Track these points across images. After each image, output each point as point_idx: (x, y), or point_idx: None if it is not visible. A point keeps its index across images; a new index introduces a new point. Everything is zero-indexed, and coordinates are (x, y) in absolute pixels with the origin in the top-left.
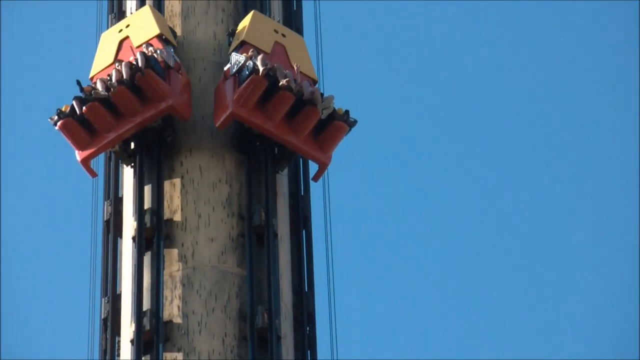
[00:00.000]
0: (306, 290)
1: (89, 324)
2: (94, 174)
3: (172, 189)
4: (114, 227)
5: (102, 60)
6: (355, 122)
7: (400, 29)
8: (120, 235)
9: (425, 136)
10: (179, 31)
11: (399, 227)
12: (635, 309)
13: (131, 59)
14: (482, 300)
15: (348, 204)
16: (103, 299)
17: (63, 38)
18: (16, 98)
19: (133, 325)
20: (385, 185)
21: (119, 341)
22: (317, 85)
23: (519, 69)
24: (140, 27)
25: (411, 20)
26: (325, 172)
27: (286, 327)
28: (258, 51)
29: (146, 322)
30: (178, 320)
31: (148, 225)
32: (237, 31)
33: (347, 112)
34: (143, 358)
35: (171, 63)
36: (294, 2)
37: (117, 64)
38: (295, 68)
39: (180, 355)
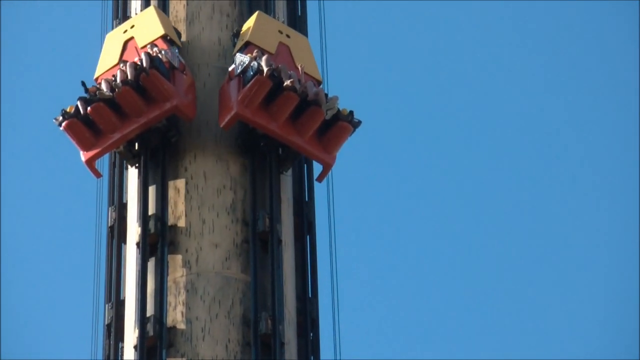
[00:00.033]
0: (310, 296)
1: (93, 330)
2: (98, 175)
3: (177, 195)
4: (118, 232)
5: (107, 61)
6: (359, 122)
7: (405, 29)
8: (125, 241)
9: (429, 137)
10: (183, 36)
11: (404, 230)
12: (635, 309)
13: (136, 59)
14: (483, 301)
15: (352, 206)
16: (107, 305)
17: (68, 39)
18: (20, 99)
19: (136, 331)
20: (389, 187)
21: (122, 347)
22: (321, 86)
23: (520, 69)
24: (145, 27)
25: (416, 21)
26: (330, 174)
27: (290, 333)
28: (262, 52)
29: (150, 328)
30: (182, 326)
31: (152, 231)
32: (241, 32)
33: (351, 112)
34: None
35: (176, 63)
36: (299, 6)
37: (121, 65)
38: (300, 69)
39: None
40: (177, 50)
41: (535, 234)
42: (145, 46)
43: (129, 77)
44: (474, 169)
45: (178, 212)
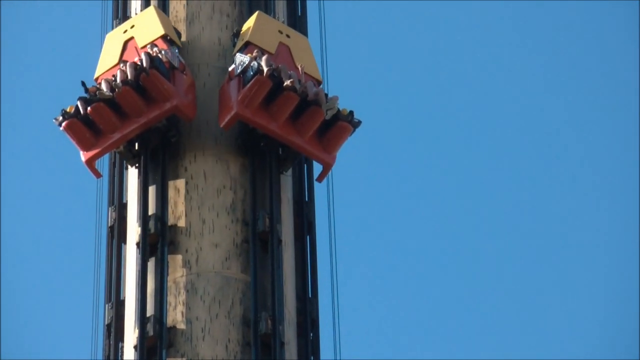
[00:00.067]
0: (310, 296)
1: (93, 330)
2: (98, 175)
3: (177, 195)
4: (118, 232)
5: (107, 61)
6: (359, 122)
7: (405, 29)
8: (125, 241)
9: (429, 137)
10: (183, 37)
11: (403, 230)
12: (635, 309)
13: (136, 59)
14: (483, 301)
15: (352, 206)
16: (107, 305)
17: (68, 39)
18: (20, 99)
19: (137, 331)
20: (389, 186)
21: (122, 347)
22: (321, 86)
23: (520, 69)
24: (145, 27)
25: (415, 21)
26: (330, 174)
27: (290, 333)
28: (262, 52)
29: (150, 328)
30: (182, 326)
31: (152, 231)
32: (241, 32)
33: (351, 112)
34: None
35: (176, 63)
36: (299, 6)
37: (121, 65)
38: (300, 69)
39: None
40: (177, 50)
41: (535, 234)
42: (145, 46)
43: (129, 77)
44: (474, 168)
45: (178, 212)
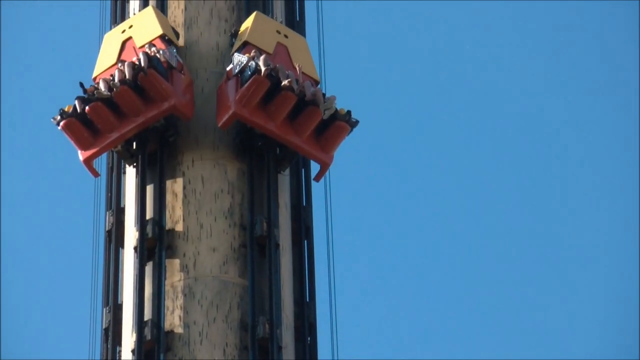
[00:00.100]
0: (307, 300)
1: (90, 334)
2: (96, 174)
3: (174, 199)
4: (115, 237)
5: (105, 60)
6: (356, 122)
7: (403, 29)
8: (122, 245)
9: (427, 137)
10: (181, 41)
11: (402, 232)
12: (635, 309)
13: (134, 59)
14: (483, 301)
15: (349, 206)
16: (104, 309)
17: (67, 39)
18: (20, 99)
19: (134, 335)
20: (387, 187)
21: (120, 351)
22: (319, 86)
23: (519, 70)
24: (143, 27)
25: (414, 20)
26: (327, 175)
27: (287, 337)
28: (260, 52)
29: (147, 332)
30: (179, 330)
31: (150, 235)
32: (239, 32)
33: (348, 112)
34: None
35: (174, 63)
36: (297, 6)
37: (119, 64)
38: (298, 68)
39: None
40: (175, 50)
41: (535, 234)
42: (143, 46)
43: (127, 76)
44: (474, 169)
45: (176, 217)
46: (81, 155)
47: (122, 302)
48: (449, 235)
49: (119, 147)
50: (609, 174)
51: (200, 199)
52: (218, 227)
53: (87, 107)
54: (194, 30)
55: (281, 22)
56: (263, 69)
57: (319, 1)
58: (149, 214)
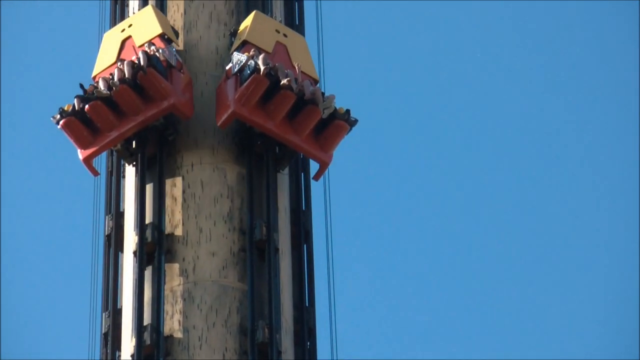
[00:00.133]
0: (307, 305)
1: (90, 339)
2: (96, 173)
3: (174, 204)
4: (115, 241)
5: (105, 59)
6: (355, 121)
7: (402, 28)
8: (122, 250)
9: (427, 136)
10: (181, 45)
11: (401, 231)
12: (635, 309)
13: (133, 58)
14: (483, 301)
15: (349, 206)
16: (104, 314)
17: (67, 39)
18: (20, 99)
19: (134, 339)
20: (386, 186)
21: (119, 356)
22: (318, 85)
23: (519, 70)
24: (143, 26)
25: (413, 20)
26: (327, 175)
27: (287, 341)
28: (259, 51)
29: (147, 336)
30: (179, 334)
31: (149, 239)
32: (239, 31)
33: (347, 111)
34: None
35: (173, 62)
36: (296, 5)
37: (119, 63)
38: (297, 67)
39: None
40: (174, 49)
41: (535, 234)
42: (142, 45)
43: (127, 75)
44: (474, 169)
45: (175, 221)
46: (81, 154)
47: (121, 306)
48: (448, 236)
49: (119, 146)
50: (609, 174)
51: (199, 203)
52: (217, 232)
53: (86, 106)
54: (193, 34)
55: (280, 22)
56: (262, 68)
57: (318, 1)
58: (148, 218)
